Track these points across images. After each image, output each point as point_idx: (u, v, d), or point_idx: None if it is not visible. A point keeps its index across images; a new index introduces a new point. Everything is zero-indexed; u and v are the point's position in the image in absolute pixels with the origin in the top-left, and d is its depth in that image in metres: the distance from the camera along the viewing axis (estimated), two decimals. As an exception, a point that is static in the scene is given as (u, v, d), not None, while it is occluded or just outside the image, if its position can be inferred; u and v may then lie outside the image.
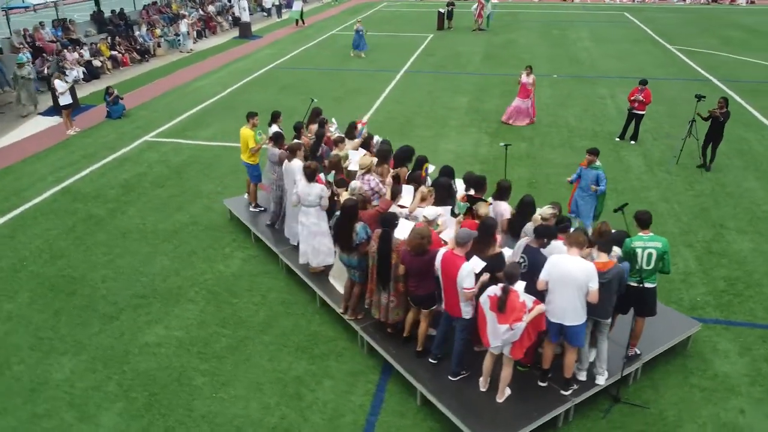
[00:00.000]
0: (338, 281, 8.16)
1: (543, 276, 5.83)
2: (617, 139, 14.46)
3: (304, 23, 32.34)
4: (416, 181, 7.87)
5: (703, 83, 19.43)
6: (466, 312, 6.02)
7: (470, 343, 6.39)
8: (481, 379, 6.26)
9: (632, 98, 13.86)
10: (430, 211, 6.73)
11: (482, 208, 6.86)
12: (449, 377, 6.41)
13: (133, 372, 7.06)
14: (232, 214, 10.63)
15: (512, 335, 5.62)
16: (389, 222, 6.61)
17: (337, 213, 7.33)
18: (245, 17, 31.22)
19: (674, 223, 10.38)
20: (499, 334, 5.72)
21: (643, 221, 6.33)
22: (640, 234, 6.33)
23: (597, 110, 16.80)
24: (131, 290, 8.62)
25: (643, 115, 14.03)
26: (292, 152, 8.82)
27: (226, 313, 8.14)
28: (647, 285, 6.38)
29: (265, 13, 35.73)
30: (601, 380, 6.32)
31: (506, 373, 6.00)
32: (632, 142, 14.26)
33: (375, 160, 8.35)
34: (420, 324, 6.69)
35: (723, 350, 7.32)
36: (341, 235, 7.01)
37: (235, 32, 29.75)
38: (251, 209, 10.30)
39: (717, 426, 6.25)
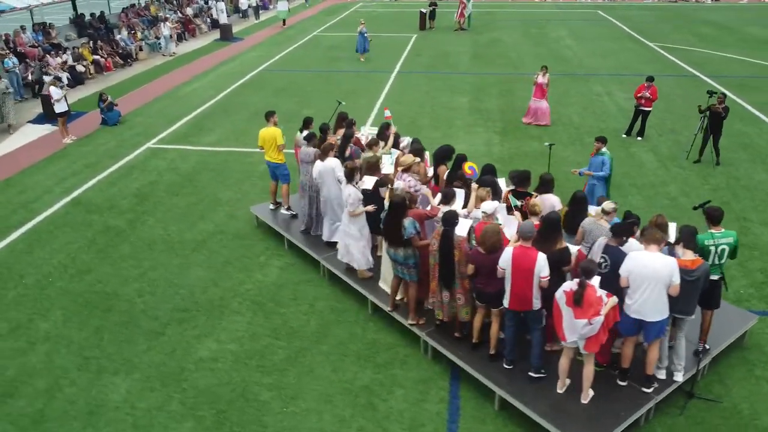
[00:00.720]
0: (386, 285, 8.02)
1: (623, 273, 5.83)
2: (624, 136, 14.67)
3: (284, 24, 32.04)
4: (460, 179, 7.84)
5: (691, 79, 19.94)
6: (536, 303, 6.04)
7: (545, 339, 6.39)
8: (558, 381, 6.23)
9: (639, 95, 14.08)
10: (488, 205, 6.69)
11: (537, 204, 6.87)
12: (530, 374, 6.35)
13: (193, 389, 6.79)
14: (259, 221, 10.38)
15: (591, 329, 5.60)
16: (450, 221, 6.51)
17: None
18: (223, 19, 30.73)
19: (700, 217, 10.54)
20: (576, 329, 5.70)
21: (715, 217, 6.42)
22: (712, 231, 6.41)
23: (597, 108, 17.03)
24: (171, 303, 8.31)
25: (649, 111, 14.26)
26: (324, 153, 8.63)
27: (276, 323, 7.92)
28: (713, 277, 6.45)
29: (240, 15, 35.15)
30: (679, 377, 6.36)
31: (588, 371, 5.97)
32: (639, 138, 14.49)
33: (417, 159, 8.23)
34: (491, 325, 6.63)
35: (778, 341, 7.46)
36: (389, 230, 6.92)
37: (215, 34, 29.19)
38: (283, 211, 10.05)
39: (791, 416, 6.36)
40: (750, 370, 6.99)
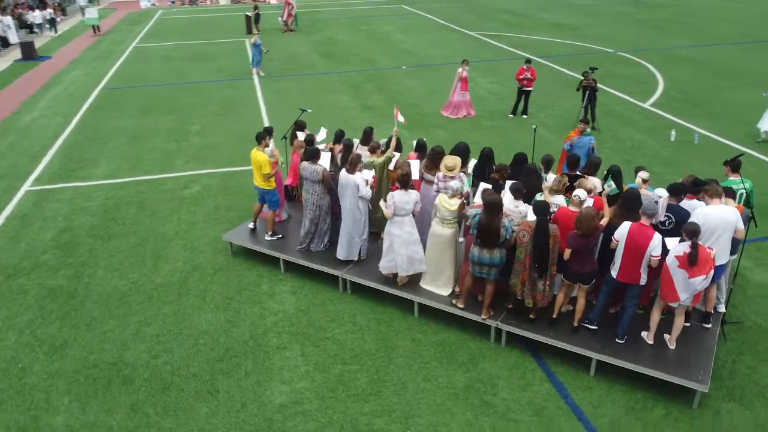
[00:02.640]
0: (433, 285, 7.95)
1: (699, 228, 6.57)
2: (511, 116, 16.05)
3: (97, 31, 28.87)
4: (499, 171, 8.08)
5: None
6: (644, 278, 6.54)
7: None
8: (649, 334, 6.83)
9: (521, 77, 15.50)
10: (582, 192, 6.99)
11: (587, 183, 7.40)
12: (617, 340, 6.85)
13: (299, 439, 6.10)
14: (234, 249, 9.45)
15: (706, 283, 6.28)
16: (545, 210, 6.72)
17: (474, 212, 7.07)
18: (14, 37, 26.57)
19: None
20: (691, 287, 6.29)
21: (735, 166, 7.51)
22: (733, 178, 7.50)
23: (472, 94, 18.25)
24: (200, 356, 7.25)
25: (530, 91, 15.78)
26: (353, 165, 8.19)
27: (333, 348, 7.38)
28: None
29: (29, 30, 30.52)
30: (722, 308, 7.38)
31: (680, 322, 6.66)
32: (524, 116, 15.96)
33: (459, 160, 8.21)
34: (578, 300, 6.99)
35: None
36: (486, 232, 6.85)
37: (15, 54, 25.02)
38: (267, 238, 9.27)
39: (795, 320, 7.76)
40: (744, 291, 8.35)
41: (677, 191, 6.89)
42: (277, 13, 32.27)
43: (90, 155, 13.85)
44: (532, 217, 6.92)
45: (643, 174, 7.51)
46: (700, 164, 12.42)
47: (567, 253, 6.70)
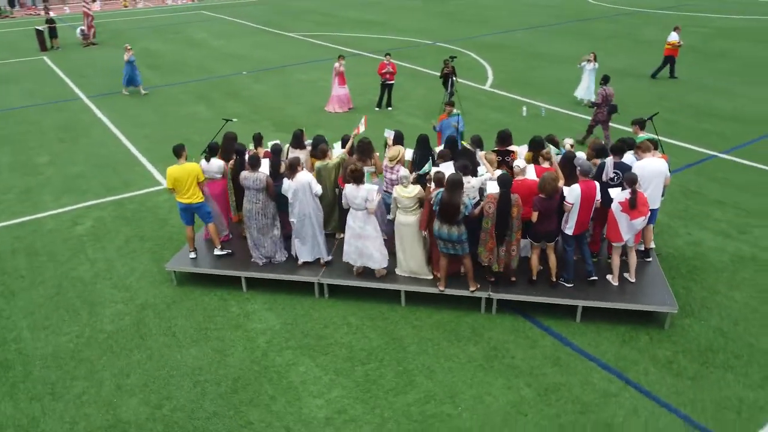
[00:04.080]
0: (409, 271, 8.18)
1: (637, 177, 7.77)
2: (377, 109, 16.66)
3: None
4: (442, 156, 8.58)
5: (354, 57, 23.13)
6: (590, 224, 7.61)
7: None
8: (613, 277, 7.89)
9: (384, 71, 16.17)
10: (521, 162, 7.77)
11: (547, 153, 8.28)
12: (590, 279, 7.82)
13: (364, 444, 5.99)
14: (178, 278, 8.69)
15: (644, 222, 7.46)
16: (508, 182, 7.33)
17: (438, 191, 7.42)
18: None
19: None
20: (633, 228, 7.46)
21: (642, 124, 8.91)
22: (642, 135, 8.91)
23: (327, 93, 18.47)
24: (211, 394, 6.64)
25: (393, 84, 16.54)
26: (292, 170, 8.01)
27: (343, 353, 7.25)
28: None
29: None
30: (652, 244, 8.78)
31: (634, 257, 7.82)
32: (389, 108, 16.70)
33: (403, 150, 8.47)
34: (549, 257, 7.78)
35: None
36: (447, 210, 7.23)
37: None
38: (218, 252, 8.66)
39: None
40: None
41: (618, 150, 8.04)
42: (69, 26, 28.95)
43: None
44: (494, 190, 7.53)
45: (569, 140, 8.59)
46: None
47: (535, 215, 7.44)
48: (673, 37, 18.43)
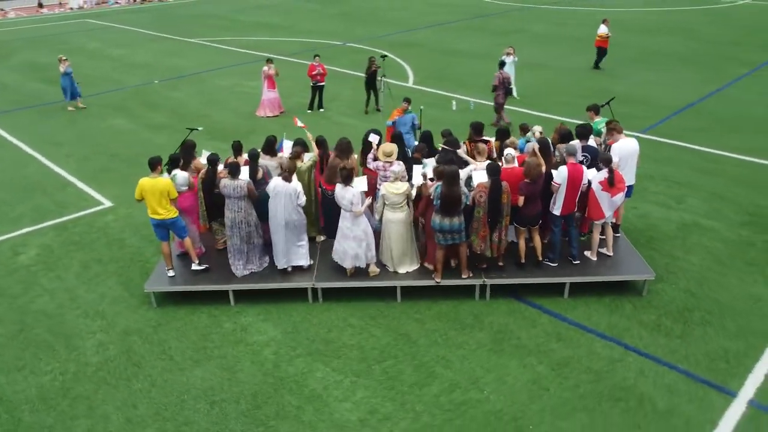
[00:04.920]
0: (401, 267, 8.27)
1: (615, 158, 8.27)
2: (308, 111, 16.51)
3: None
4: (419, 151, 8.77)
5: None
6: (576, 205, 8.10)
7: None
8: (592, 253, 8.43)
9: (314, 72, 16.05)
10: (510, 150, 8.11)
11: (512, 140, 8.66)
12: (574, 262, 8.29)
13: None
14: (158, 299, 8.21)
15: (623, 198, 8.07)
16: (497, 171, 7.63)
17: (436, 186, 7.56)
18: None
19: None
20: (614, 205, 8.06)
21: (597, 110, 9.52)
22: (597, 119, 9.52)
23: (250, 97, 18.03)
24: (232, 413, 6.36)
25: (323, 85, 16.44)
26: (291, 173, 7.87)
27: (356, 354, 7.21)
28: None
29: None
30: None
31: (611, 234, 8.41)
32: (321, 109, 16.61)
33: (395, 146, 8.53)
34: (534, 239, 8.18)
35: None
36: (449, 202, 7.42)
37: None
38: (196, 267, 8.27)
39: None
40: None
41: (584, 135, 8.58)
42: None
43: None
44: (482, 179, 7.81)
45: (538, 128, 9.08)
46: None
47: (521, 200, 7.81)
48: (603, 29, 19.71)
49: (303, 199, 7.95)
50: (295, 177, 7.96)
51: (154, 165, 7.83)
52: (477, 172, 8.06)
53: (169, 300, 8.28)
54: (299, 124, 9.90)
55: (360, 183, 7.99)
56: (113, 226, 10.43)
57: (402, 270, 8.27)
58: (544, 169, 8.15)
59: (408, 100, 11.84)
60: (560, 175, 7.81)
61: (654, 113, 15.73)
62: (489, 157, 8.68)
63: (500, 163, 8.01)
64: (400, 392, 6.62)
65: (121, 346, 7.45)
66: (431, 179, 7.81)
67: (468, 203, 7.57)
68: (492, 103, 15.17)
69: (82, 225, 10.50)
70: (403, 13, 33.48)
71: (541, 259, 8.28)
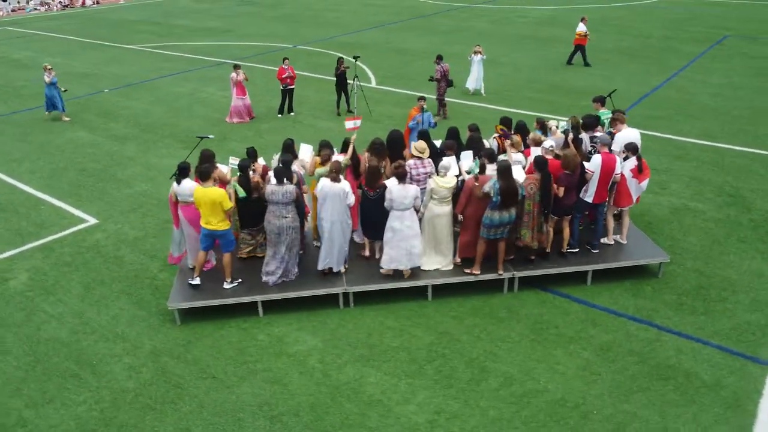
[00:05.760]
0: (434, 264, 8.28)
1: (617, 148, 8.64)
2: (279, 115, 16.18)
3: None
4: (450, 148, 8.77)
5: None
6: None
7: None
8: (606, 239, 8.73)
9: (284, 75, 15.73)
10: (550, 142, 8.32)
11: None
12: (593, 251, 8.56)
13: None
14: (182, 316, 7.83)
15: (647, 183, 8.43)
16: (545, 164, 7.80)
17: (492, 182, 7.63)
18: None
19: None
20: (641, 189, 8.51)
21: (603, 101, 9.88)
22: (602, 111, 9.88)
23: (214, 103, 17.46)
24: (294, 427, 6.14)
25: (293, 88, 16.15)
26: (339, 173, 7.73)
27: (403, 356, 7.15)
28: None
29: None
30: (616, 207, 9.82)
31: (627, 220, 8.74)
32: (291, 113, 16.31)
33: (424, 143, 8.53)
34: (564, 230, 8.38)
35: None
36: (510, 194, 7.55)
37: None
38: (228, 285, 7.96)
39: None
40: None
41: (591, 126, 8.88)
42: None
43: None
44: (519, 173, 7.96)
45: (553, 122, 9.34)
46: (455, 121, 15.13)
47: (561, 190, 8.01)
48: (581, 27, 20.28)
49: (352, 199, 7.85)
50: (342, 177, 7.83)
51: (205, 175, 7.45)
52: (515, 166, 8.13)
53: (192, 316, 7.91)
54: (350, 125, 9.79)
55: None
56: (105, 243, 9.83)
57: (429, 267, 8.27)
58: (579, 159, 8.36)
59: (423, 98, 11.84)
60: (594, 163, 8.04)
61: (615, 105, 16.40)
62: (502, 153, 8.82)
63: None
64: (459, 390, 6.62)
65: (154, 368, 7.05)
66: (476, 176, 7.86)
67: (524, 194, 7.70)
68: (457, 101, 15.40)
69: (69, 245, 9.84)
70: (343, 15, 33.37)
71: (565, 250, 8.49)
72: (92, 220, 10.63)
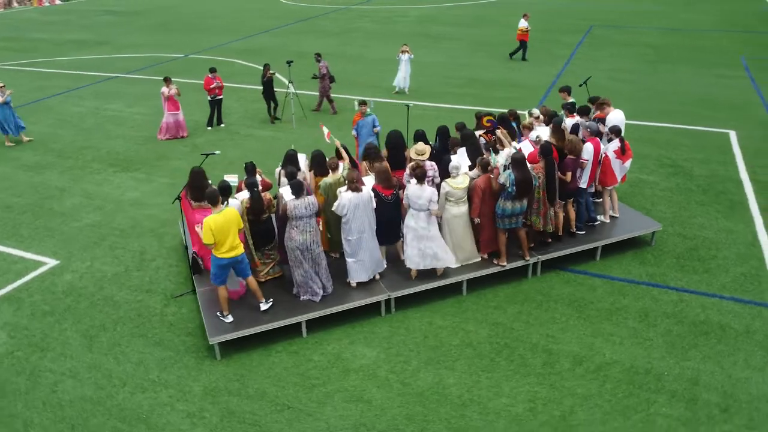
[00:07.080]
0: (460, 261, 8.33)
1: (603, 128, 9.27)
2: (209, 128, 15.26)
3: None
4: (454, 145, 8.85)
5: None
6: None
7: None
8: (605, 216, 9.34)
9: (212, 86, 14.84)
10: (542, 130, 8.64)
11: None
12: (594, 224, 9.14)
13: (579, 415, 6.21)
14: (222, 350, 7.19)
15: (630, 163, 9.12)
16: (549, 150, 8.12)
17: (507, 174, 7.76)
18: None
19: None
20: (624, 170, 9.13)
21: (569, 90, 10.44)
22: (571, 100, 10.45)
23: (126, 120, 16.01)
24: (399, 443, 5.93)
25: (222, 98, 15.28)
26: (359, 182, 7.49)
27: (469, 353, 7.17)
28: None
29: None
30: (594, 186, 10.52)
31: (616, 197, 9.40)
32: (221, 125, 15.45)
33: (426, 146, 8.44)
34: (570, 212, 8.81)
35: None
36: (526, 184, 7.77)
37: None
38: (264, 307, 7.47)
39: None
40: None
41: (584, 112, 9.43)
42: None
43: None
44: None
45: (536, 111, 9.76)
46: (390, 118, 15.32)
47: (568, 175, 8.43)
48: (523, 23, 20.97)
49: (374, 202, 7.66)
50: (365, 185, 7.60)
51: (214, 199, 6.80)
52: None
53: (230, 348, 7.29)
54: (327, 136, 9.37)
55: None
56: (83, 284, 8.71)
57: (459, 264, 8.32)
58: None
59: (364, 103, 11.61)
60: (587, 151, 8.53)
61: (531, 94, 17.49)
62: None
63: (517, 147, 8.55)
64: (539, 375, 6.78)
65: (218, 410, 6.41)
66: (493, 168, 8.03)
67: (536, 184, 7.93)
68: (387, 101, 15.53)
69: (39, 292, 8.58)
70: (223, 21, 32.06)
71: (574, 230, 8.96)
72: (52, 261, 9.35)
